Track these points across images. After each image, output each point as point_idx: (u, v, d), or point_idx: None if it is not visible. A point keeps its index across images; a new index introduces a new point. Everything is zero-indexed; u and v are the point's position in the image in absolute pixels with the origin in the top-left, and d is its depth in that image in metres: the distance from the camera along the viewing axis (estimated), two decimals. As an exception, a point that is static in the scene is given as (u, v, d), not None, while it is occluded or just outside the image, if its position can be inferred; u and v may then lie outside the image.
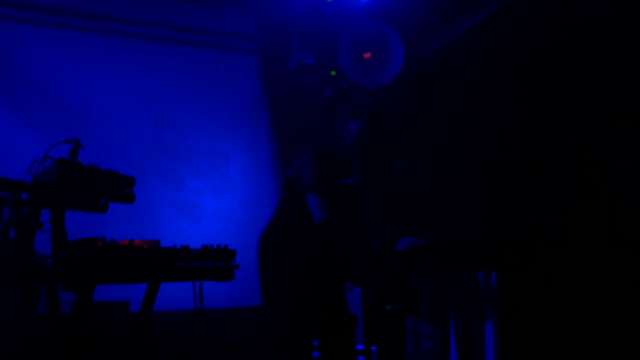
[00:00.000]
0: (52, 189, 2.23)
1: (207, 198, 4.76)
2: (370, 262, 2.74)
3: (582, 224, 3.41)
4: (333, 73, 4.74)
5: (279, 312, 2.85)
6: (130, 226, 4.17)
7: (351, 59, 4.52)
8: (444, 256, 2.78)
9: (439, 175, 4.68)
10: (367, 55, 4.50)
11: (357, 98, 2.96)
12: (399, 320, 3.75)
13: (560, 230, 3.49)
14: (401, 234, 2.91)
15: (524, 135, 3.90)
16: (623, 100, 3.28)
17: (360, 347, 3.60)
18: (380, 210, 2.85)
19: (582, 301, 3.28)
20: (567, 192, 3.55)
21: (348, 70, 4.49)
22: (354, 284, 3.89)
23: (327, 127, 3.01)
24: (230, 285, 2.71)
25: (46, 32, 4.44)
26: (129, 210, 3.43)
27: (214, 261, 2.50)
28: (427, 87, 4.82)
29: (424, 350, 3.50)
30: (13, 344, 2.34)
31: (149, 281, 2.62)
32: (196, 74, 4.92)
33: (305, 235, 2.81)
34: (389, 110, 3.01)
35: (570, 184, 3.54)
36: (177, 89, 4.81)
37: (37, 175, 2.31)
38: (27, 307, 2.45)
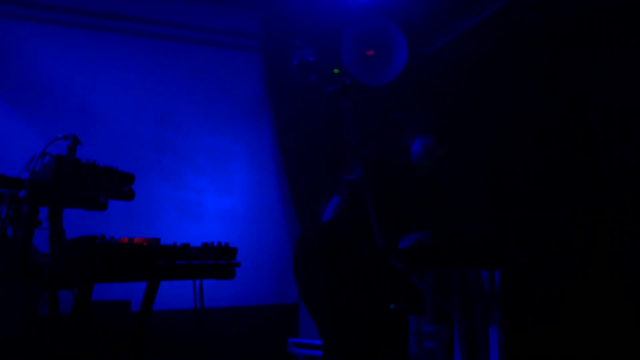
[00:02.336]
0: (50, 186, 2.21)
1: (209, 196, 4.75)
2: (374, 260, 2.71)
3: (586, 222, 3.38)
4: (336, 71, 4.70)
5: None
6: (131, 225, 4.15)
7: (354, 57, 4.49)
8: (447, 255, 2.76)
9: (442, 174, 4.65)
10: (370, 52, 4.47)
11: (426, 112, 2.93)
12: (402, 319, 3.72)
13: (564, 229, 3.46)
14: (404, 233, 2.88)
15: (529, 133, 3.87)
16: (629, 97, 3.25)
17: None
18: (383, 208, 2.82)
19: (586, 300, 3.25)
20: (571, 190, 3.52)
21: (351, 68, 4.46)
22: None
23: (397, 136, 2.97)
24: (231, 283, 2.68)
25: (46, 30, 4.43)
26: (130, 209, 3.42)
27: (214, 259, 2.48)
28: (431, 84, 4.78)
29: (427, 349, 3.46)
30: (12, 344, 2.31)
31: (149, 279, 2.60)
32: (198, 71, 4.90)
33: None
34: (459, 128, 2.97)
35: (574, 182, 3.51)
36: (179, 87, 4.79)
37: (34, 172, 2.29)
38: (26, 306, 2.43)
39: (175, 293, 2.94)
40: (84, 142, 2.39)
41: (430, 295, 3.34)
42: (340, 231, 2.82)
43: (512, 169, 3.98)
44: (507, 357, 2.72)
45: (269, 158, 5.02)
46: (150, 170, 4.52)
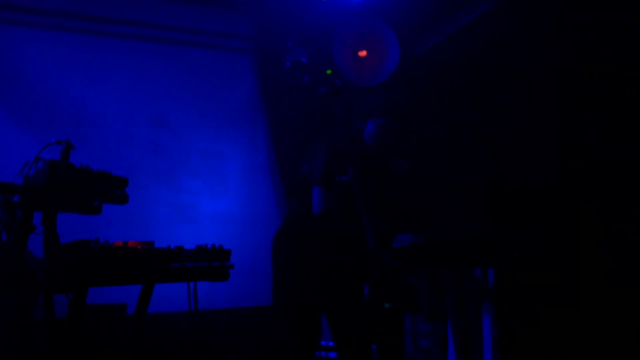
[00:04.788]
0: (43, 191, 2.21)
1: (203, 199, 4.73)
2: (368, 259, 2.73)
3: (579, 219, 3.40)
4: (329, 72, 4.71)
5: (289, 310, 2.83)
6: (125, 228, 4.15)
7: (346, 57, 4.50)
8: (442, 253, 2.77)
9: (435, 173, 4.66)
10: (362, 53, 4.48)
11: (376, 96, 2.97)
12: (398, 318, 3.73)
13: (557, 226, 3.48)
14: (398, 232, 2.90)
15: (521, 132, 3.89)
16: (623, 97, 3.27)
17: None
18: (377, 208, 2.84)
19: (579, 297, 3.26)
20: (564, 187, 3.54)
21: (343, 68, 4.47)
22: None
23: (343, 124, 2.99)
24: (226, 285, 2.69)
25: (39, 34, 4.40)
26: (125, 212, 3.42)
27: (208, 261, 2.49)
28: (424, 84, 4.80)
29: (422, 348, 3.48)
30: (7, 349, 2.32)
31: (143, 282, 2.61)
32: (192, 74, 4.89)
33: (321, 230, 2.79)
34: (407, 110, 3.01)
35: (567, 179, 3.53)
36: (173, 90, 4.77)
37: (28, 177, 2.30)
38: (21, 310, 2.43)
39: (170, 295, 2.95)
40: (77, 146, 2.39)
41: (425, 293, 3.36)
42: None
43: (506, 169, 4.00)
44: (501, 354, 2.74)
45: (264, 160, 5.02)
46: (144, 173, 4.50)
